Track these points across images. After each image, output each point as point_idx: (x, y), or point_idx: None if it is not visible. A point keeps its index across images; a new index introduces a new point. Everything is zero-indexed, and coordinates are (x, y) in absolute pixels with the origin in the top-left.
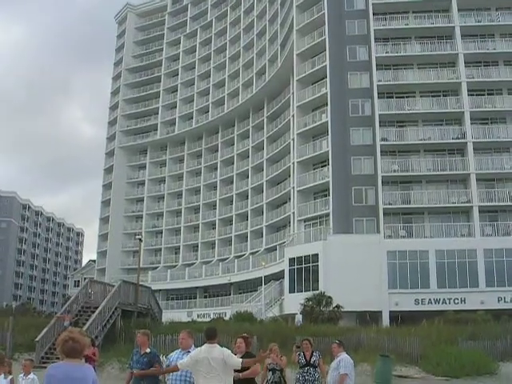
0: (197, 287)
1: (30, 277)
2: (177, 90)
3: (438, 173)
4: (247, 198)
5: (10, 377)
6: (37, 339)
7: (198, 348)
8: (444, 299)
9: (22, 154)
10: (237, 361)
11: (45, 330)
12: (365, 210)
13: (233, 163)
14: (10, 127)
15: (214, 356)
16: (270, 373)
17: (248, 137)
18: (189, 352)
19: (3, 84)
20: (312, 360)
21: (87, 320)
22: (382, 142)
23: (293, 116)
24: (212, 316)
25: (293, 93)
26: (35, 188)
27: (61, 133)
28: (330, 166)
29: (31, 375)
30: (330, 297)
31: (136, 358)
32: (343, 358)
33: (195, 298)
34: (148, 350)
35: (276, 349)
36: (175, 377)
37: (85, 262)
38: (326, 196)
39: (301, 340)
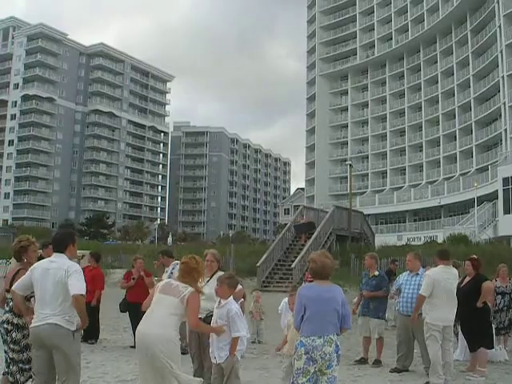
0: (406, 211)
1: (243, 207)
2: (373, 12)
3: None
4: (454, 118)
5: (241, 300)
6: (258, 264)
7: (432, 269)
8: None
9: (232, 94)
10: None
11: (265, 255)
12: None
13: (437, 82)
14: (221, 70)
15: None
16: (500, 296)
17: (451, 53)
18: (417, 274)
19: (217, 29)
20: None
21: (303, 245)
22: None
23: (499, 27)
24: (423, 239)
25: (498, 1)
26: (244, 125)
27: (266, 70)
28: None
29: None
30: None
31: (365, 280)
32: None
33: (404, 221)
34: (376, 273)
35: (505, 270)
36: (405, 299)
37: (293, 190)
38: None
39: None
